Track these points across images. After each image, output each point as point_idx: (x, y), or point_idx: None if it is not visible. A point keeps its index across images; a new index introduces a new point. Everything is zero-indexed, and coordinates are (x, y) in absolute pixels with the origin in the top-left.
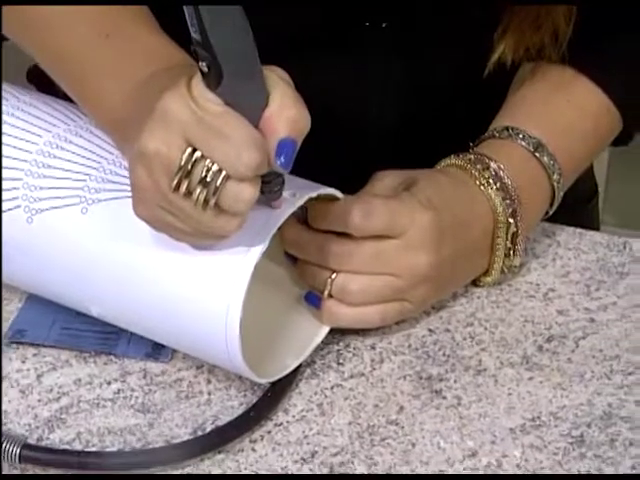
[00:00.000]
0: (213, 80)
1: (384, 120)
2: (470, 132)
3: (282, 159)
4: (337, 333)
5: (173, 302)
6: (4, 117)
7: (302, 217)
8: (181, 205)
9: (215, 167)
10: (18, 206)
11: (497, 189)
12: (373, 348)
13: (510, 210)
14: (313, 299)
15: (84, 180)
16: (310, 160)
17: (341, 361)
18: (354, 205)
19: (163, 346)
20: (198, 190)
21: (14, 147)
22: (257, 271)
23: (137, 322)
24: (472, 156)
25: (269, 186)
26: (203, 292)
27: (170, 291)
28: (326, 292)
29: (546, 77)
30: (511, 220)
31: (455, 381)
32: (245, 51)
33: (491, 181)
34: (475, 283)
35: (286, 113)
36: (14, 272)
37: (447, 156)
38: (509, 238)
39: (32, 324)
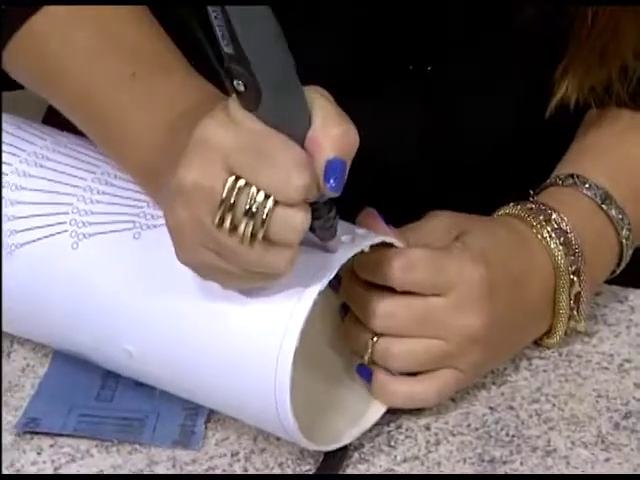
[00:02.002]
0: (251, 99)
1: (428, 167)
2: (529, 180)
3: (332, 182)
4: (387, 412)
5: (223, 344)
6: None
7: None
8: (227, 242)
9: (261, 196)
10: (65, 231)
11: (560, 244)
12: (428, 429)
13: (573, 268)
14: (364, 372)
15: (141, 207)
16: (349, 209)
17: (392, 443)
18: (396, 256)
19: (193, 432)
20: (244, 223)
21: (68, 175)
22: (309, 332)
23: (174, 368)
24: (533, 205)
25: (320, 222)
26: (254, 336)
27: (221, 332)
28: (366, 356)
29: (615, 122)
30: (574, 278)
31: (522, 464)
32: (283, 62)
33: (554, 235)
34: (537, 344)
35: (331, 131)
36: (50, 308)
37: (496, 204)
38: (572, 297)
39: (47, 412)
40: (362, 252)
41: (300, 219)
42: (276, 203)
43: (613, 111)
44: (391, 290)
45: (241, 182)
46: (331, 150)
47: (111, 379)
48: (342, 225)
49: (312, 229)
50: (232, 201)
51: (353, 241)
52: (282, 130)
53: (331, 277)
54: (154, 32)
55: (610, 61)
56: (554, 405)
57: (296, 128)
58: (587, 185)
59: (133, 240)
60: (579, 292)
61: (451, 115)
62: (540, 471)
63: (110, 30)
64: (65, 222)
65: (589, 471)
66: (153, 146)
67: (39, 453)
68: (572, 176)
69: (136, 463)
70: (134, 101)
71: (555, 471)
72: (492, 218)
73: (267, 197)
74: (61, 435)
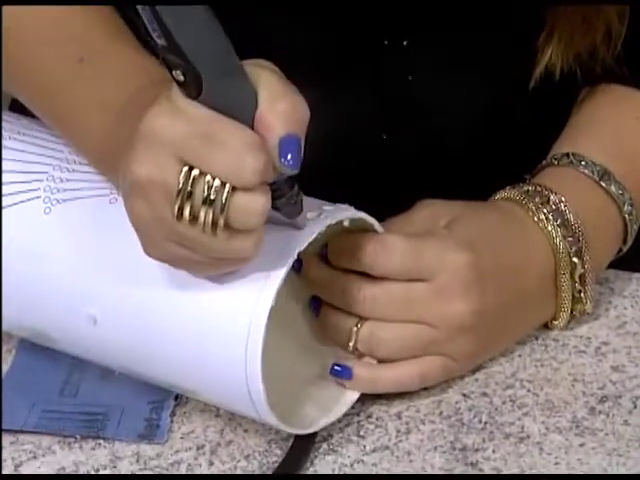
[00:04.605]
0: (192, 87)
1: (408, 148)
2: (522, 160)
3: (288, 159)
4: (358, 401)
5: (191, 328)
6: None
7: (323, 254)
8: (189, 233)
9: (217, 182)
10: (38, 197)
11: (558, 226)
12: (399, 417)
13: (574, 249)
14: (343, 372)
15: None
16: (327, 190)
17: (362, 433)
18: (371, 242)
19: (158, 425)
20: (203, 212)
21: (44, 147)
22: (280, 318)
23: (139, 338)
24: (529, 187)
25: (284, 200)
26: (223, 320)
27: (189, 316)
28: (351, 344)
29: (607, 96)
30: (576, 260)
31: (494, 451)
32: (219, 45)
33: (551, 217)
34: (546, 326)
35: (278, 107)
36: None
37: (491, 188)
38: (577, 280)
39: (9, 409)
40: (336, 235)
41: (260, 202)
42: (234, 188)
43: (605, 87)
44: (368, 276)
45: (195, 172)
46: (282, 128)
47: (76, 373)
48: (309, 201)
49: (277, 208)
50: (189, 191)
51: (319, 217)
52: (229, 114)
53: (301, 250)
54: (103, 15)
55: (595, 25)
56: (529, 390)
57: (243, 110)
58: (584, 163)
59: (109, 205)
60: (583, 273)
61: (429, 93)
62: (513, 458)
63: (58, 18)
64: (39, 189)
65: (563, 457)
66: (105, 129)
67: None
68: (567, 155)
69: (99, 459)
70: (84, 85)
71: (528, 458)
72: (486, 203)
73: (224, 184)
74: (22, 432)
